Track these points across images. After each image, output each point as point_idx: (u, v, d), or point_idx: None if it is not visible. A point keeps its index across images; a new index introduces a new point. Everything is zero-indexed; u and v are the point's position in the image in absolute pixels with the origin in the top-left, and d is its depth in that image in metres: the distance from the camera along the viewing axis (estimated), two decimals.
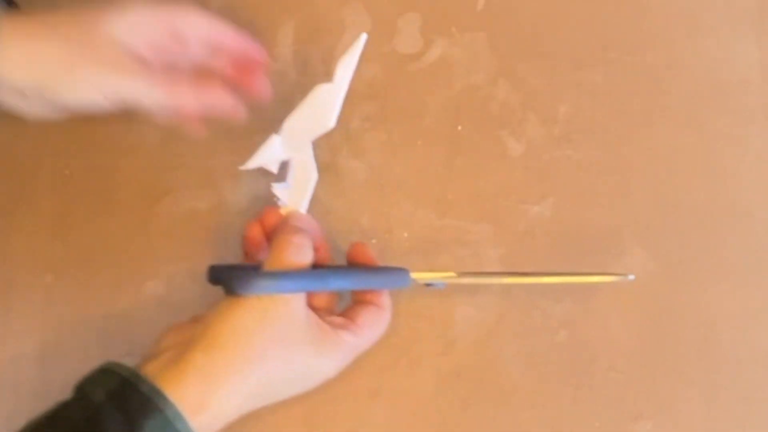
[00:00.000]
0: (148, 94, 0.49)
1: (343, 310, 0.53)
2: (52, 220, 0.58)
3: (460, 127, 0.61)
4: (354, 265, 0.54)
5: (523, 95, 0.61)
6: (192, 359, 0.46)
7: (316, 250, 0.52)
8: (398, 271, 0.52)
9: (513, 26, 0.62)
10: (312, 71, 0.61)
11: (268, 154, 0.55)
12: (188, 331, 0.49)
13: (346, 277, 0.51)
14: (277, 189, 0.56)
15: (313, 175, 0.55)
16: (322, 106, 0.54)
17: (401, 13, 0.62)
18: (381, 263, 0.56)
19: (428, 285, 0.54)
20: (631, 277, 0.55)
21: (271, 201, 0.58)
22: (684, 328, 0.58)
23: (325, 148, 0.59)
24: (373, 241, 0.59)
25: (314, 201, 0.58)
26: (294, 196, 0.55)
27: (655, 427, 0.57)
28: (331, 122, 0.55)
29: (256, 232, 0.53)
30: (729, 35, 0.63)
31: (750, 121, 0.62)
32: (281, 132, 0.55)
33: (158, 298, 0.57)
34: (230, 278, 0.48)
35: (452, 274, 0.54)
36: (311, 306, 0.50)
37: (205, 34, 0.52)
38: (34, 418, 0.45)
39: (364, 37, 0.54)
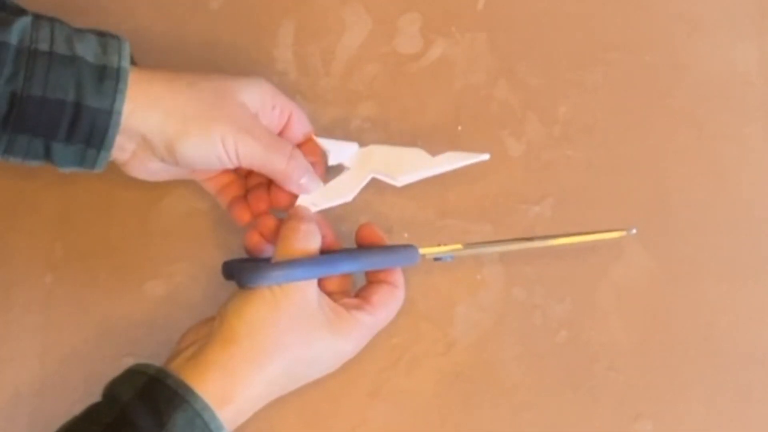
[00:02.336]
0: (266, 157, 0.51)
1: (357, 290, 0.53)
2: (52, 219, 0.58)
3: (460, 127, 0.61)
4: (363, 247, 0.54)
5: (523, 95, 0.61)
6: (211, 355, 0.47)
7: (323, 237, 0.52)
8: (407, 249, 0.53)
9: (513, 26, 0.62)
10: (312, 71, 0.61)
11: (339, 150, 0.56)
12: (206, 327, 0.50)
13: (355, 259, 0.52)
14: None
15: (348, 197, 0.55)
16: (406, 165, 0.56)
17: (401, 13, 0.62)
18: None
19: (437, 259, 0.54)
20: (633, 231, 0.55)
21: None
22: (684, 328, 0.58)
23: None
24: None
25: None
26: (321, 197, 0.55)
27: (655, 427, 0.57)
28: (399, 183, 0.56)
29: (256, 240, 0.54)
30: (729, 35, 0.63)
31: (750, 120, 0.62)
32: (363, 147, 0.56)
33: (158, 298, 0.57)
34: (241, 271, 0.49)
35: (459, 246, 0.54)
36: (325, 290, 0.51)
37: (301, 134, 0.55)
38: (66, 422, 0.46)
39: (485, 156, 0.56)
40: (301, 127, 0.55)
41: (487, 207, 0.60)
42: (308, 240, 0.51)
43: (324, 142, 0.56)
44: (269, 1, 0.62)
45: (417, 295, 0.58)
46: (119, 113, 0.48)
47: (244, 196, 0.56)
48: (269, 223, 0.53)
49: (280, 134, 0.55)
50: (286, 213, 0.54)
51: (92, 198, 0.59)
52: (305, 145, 0.56)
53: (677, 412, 0.57)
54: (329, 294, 0.52)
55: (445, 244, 0.54)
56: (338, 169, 0.56)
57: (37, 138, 0.48)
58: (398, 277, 0.53)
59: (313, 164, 0.55)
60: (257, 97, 0.52)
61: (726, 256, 0.59)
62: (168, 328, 0.56)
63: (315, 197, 0.55)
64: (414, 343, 0.58)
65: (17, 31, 0.46)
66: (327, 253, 0.52)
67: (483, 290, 0.58)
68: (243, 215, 0.55)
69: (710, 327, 0.58)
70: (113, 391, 0.47)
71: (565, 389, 0.57)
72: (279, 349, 0.48)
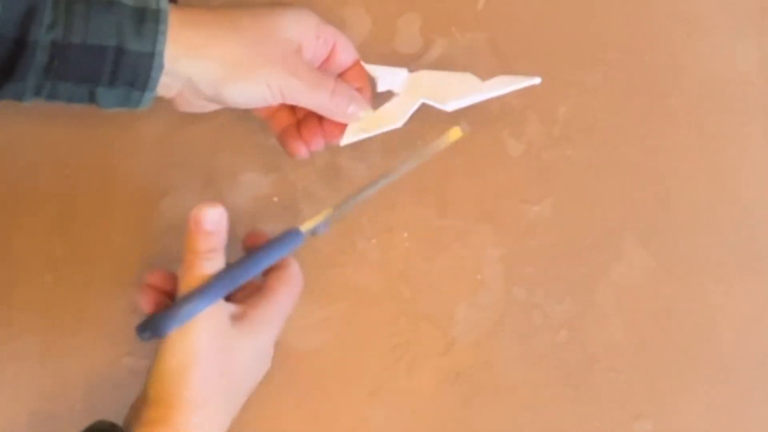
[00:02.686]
0: (310, 95, 0.52)
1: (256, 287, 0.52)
2: (52, 219, 0.58)
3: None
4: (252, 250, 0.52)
5: (523, 95, 0.61)
6: (150, 414, 0.47)
7: (246, 237, 0.52)
8: (290, 233, 0.51)
9: (513, 26, 0.62)
10: None
11: (388, 76, 0.56)
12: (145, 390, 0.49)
13: (250, 265, 0.50)
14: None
15: (398, 123, 0.56)
16: (456, 90, 0.56)
17: (401, 13, 0.62)
18: (381, 263, 0.56)
19: (313, 234, 0.52)
20: (466, 127, 0.54)
21: (270, 201, 0.58)
22: (684, 328, 0.58)
23: (326, 148, 0.59)
24: (373, 241, 0.59)
25: (313, 200, 0.58)
26: (371, 123, 0.55)
27: (655, 427, 0.57)
28: (449, 108, 0.56)
29: (151, 297, 0.51)
30: (729, 35, 0.63)
31: (750, 120, 0.62)
32: (412, 72, 0.57)
33: None
34: (148, 326, 0.48)
35: (329, 210, 0.53)
36: (233, 299, 0.50)
37: (350, 62, 0.56)
38: None
39: (537, 80, 0.56)
40: (346, 55, 0.56)
41: (487, 207, 0.60)
42: (211, 263, 0.48)
43: (372, 69, 0.57)
44: (269, 1, 0.62)
45: (417, 295, 0.58)
46: (161, 54, 0.48)
47: (296, 125, 0.56)
48: (157, 279, 0.51)
49: (326, 62, 0.55)
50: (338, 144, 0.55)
51: (92, 198, 0.59)
52: (351, 71, 0.56)
53: (677, 412, 0.57)
54: (237, 301, 0.50)
55: (317, 215, 0.52)
56: (388, 96, 0.57)
57: (81, 84, 0.48)
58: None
59: (359, 90, 0.55)
60: (300, 30, 0.52)
61: (726, 256, 0.59)
62: None
63: (365, 124, 0.55)
64: (414, 343, 0.58)
65: None
66: (224, 269, 0.49)
67: (483, 290, 0.58)
68: (297, 148, 0.55)
69: (710, 327, 0.58)
70: None
71: (565, 389, 0.57)
72: (208, 386, 0.47)
